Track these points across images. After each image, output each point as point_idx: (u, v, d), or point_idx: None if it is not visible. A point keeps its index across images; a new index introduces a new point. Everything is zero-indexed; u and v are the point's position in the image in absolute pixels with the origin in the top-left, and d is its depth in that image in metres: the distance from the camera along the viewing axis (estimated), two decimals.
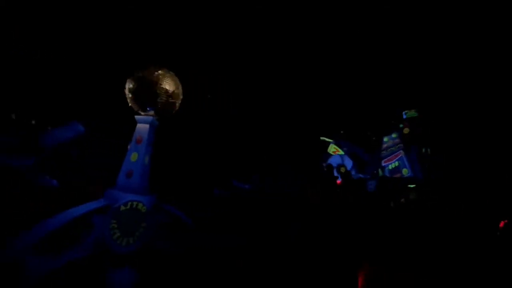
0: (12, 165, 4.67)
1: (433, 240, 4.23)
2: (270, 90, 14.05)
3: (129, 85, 4.91)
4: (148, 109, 5.08)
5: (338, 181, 10.18)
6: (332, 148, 18.00)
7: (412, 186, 14.71)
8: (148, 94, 4.89)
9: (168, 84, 5.04)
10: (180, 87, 5.20)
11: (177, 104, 5.21)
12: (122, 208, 4.57)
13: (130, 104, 5.10)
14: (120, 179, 4.92)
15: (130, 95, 4.93)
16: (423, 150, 13.97)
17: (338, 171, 16.69)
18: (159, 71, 4.94)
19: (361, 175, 15.54)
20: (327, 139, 18.03)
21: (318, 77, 14.85)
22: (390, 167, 16.30)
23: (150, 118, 5.06)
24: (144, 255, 4.72)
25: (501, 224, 4.91)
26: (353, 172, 16.03)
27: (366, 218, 5.04)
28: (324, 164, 15.43)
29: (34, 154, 4.51)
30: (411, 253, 4.09)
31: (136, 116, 5.13)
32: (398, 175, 15.91)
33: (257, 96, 13.59)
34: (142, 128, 5.08)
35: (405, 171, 15.48)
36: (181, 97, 5.27)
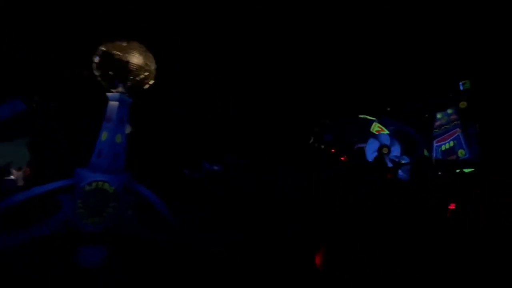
0: None
1: (430, 237, 3.46)
2: (272, 86, 13.02)
3: (94, 59, 4.67)
4: (117, 85, 4.83)
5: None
6: (376, 127, 16.23)
7: (469, 170, 12.51)
8: (111, 68, 4.59)
9: (135, 58, 4.68)
10: (146, 60, 4.77)
11: (143, 77, 4.82)
12: (87, 187, 4.47)
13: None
14: (92, 158, 4.84)
15: (95, 72, 4.71)
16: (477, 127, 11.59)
17: (380, 152, 15.13)
18: (123, 43, 4.58)
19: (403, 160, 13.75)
20: (368, 117, 16.35)
21: (354, 51, 13.16)
22: (443, 147, 14.06)
23: (118, 95, 4.80)
24: (114, 235, 4.62)
25: (451, 206, 3.99)
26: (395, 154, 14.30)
27: (365, 216, 4.33)
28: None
29: None
30: (407, 250, 3.48)
31: (106, 94, 4.93)
32: (452, 157, 13.66)
33: (257, 96, 12.71)
34: (112, 105, 4.86)
35: (461, 153, 13.17)
36: (149, 69, 4.85)
